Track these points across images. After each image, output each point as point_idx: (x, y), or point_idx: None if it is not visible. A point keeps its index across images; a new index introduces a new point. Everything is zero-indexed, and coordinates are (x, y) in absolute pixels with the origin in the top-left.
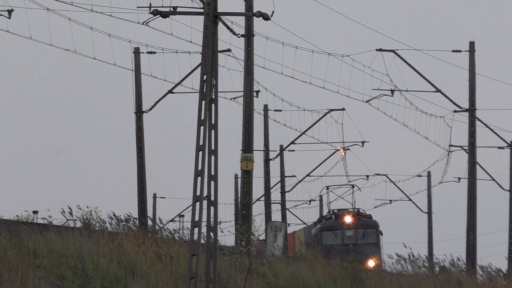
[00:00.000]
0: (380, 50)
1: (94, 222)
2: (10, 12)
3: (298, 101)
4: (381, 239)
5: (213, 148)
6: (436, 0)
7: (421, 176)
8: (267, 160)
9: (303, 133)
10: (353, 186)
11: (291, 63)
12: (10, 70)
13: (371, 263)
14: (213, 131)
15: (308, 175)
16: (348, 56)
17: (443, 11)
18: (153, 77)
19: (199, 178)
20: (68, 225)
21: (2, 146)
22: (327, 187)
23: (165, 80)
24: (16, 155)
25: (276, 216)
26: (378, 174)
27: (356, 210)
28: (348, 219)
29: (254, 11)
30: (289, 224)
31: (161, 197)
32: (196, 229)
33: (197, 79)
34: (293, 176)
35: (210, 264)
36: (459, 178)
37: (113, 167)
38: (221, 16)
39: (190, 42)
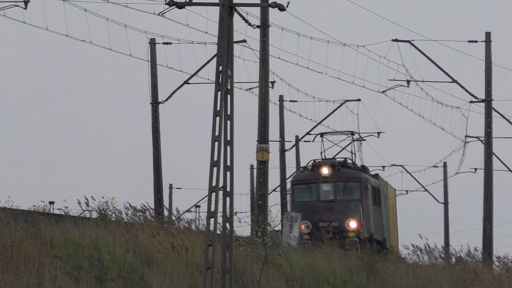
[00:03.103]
0: (396, 40)
1: (110, 213)
2: (26, 3)
3: (314, 91)
4: (372, 195)
5: (228, 138)
6: None
7: (437, 166)
8: (282, 151)
9: (319, 123)
10: (353, 134)
11: (306, 53)
12: (26, 60)
13: (352, 224)
14: (228, 121)
15: None
16: (363, 46)
17: (459, 1)
18: (169, 68)
19: (215, 168)
20: (85, 216)
21: (20, 137)
22: (321, 135)
23: (181, 71)
24: (33, 146)
25: None
26: (394, 165)
27: (343, 159)
28: (325, 170)
29: (270, 2)
30: None
31: (177, 188)
32: (212, 220)
33: (212, 70)
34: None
35: (226, 255)
36: (476, 169)
37: (129, 158)
38: (237, 7)
39: (206, 33)
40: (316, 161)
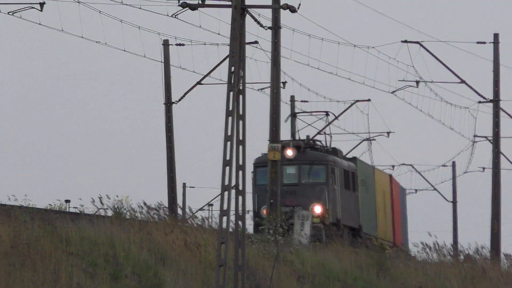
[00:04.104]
0: (406, 41)
1: (124, 211)
2: (42, 5)
3: (325, 91)
4: (342, 179)
5: (241, 138)
6: None
7: (446, 166)
8: None
9: (329, 123)
10: (327, 114)
11: (317, 54)
12: (42, 62)
13: (317, 209)
14: (241, 121)
15: None
16: (373, 47)
17: (468, 3)
18: (182, 68)
19: (227, 168)
20: (100, 214)
21: (36, 136)
22: (295, 114)
23: (193, 72)
24: (49, 146)
25: None
26: (403, 164)
27: (312, 141)
28: (289, 152)
29: (281, 4)
30: None
31: (190, 187)
32: (224, 218)
33: (225, 71)
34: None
35: (239, 252)
36: (484, 168)
37: (144, 157)
38: (249, 9)
39: (218, 34)
40: (281, 142)
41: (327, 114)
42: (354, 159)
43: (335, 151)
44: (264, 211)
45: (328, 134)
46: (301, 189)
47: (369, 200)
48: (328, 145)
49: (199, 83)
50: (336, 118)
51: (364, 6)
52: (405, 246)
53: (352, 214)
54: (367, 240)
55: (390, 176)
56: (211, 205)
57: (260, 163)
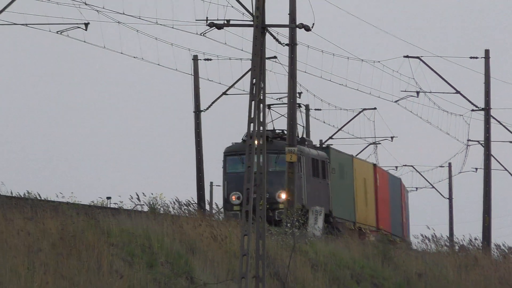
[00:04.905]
0: (407, 57)
1: (159, 207)
2: (86, 25)
3: (335, 101)
4: (309, 167)
5: (261, 142)
6: (456, 13)
7: (443, 166)
8: None
9: (340, 129)
10: (300, 106)
11: (329, 68)
12: (86, 75)
13: (283, 195)
14: (261, 127)
15: None
16: (379, 62)
17: (463, 23)
18: (210, 80)
19: (249, 168)
20: (137, 209)
21: (81, 142)
22: (269, 106)
23: (220, 83)
24: (93, 149)
25: None
26: (405, 165)
27: (280, 131)
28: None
29: (297, 23)
30: None
31: (217, 185)
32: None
33: (247, 82)
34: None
35: (260, 243)
36: (476, 169)
37: (175, 159)
38: (268, 28)
39: (242, 50)
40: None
41: (299, 105)
42: (326, 148)
43: (303, 141)
44: (234, 197)
45: (300, 125)
46: (268, 177)
47: (345, 187)
48: (299, 135)
49: (224, 93)
50: (308, 109)
51: (370, 25)
52: (394, 231)
53: (320, 200)
54: (339, 224)
55: (374, 165)
56: None
57: (230, 152)
